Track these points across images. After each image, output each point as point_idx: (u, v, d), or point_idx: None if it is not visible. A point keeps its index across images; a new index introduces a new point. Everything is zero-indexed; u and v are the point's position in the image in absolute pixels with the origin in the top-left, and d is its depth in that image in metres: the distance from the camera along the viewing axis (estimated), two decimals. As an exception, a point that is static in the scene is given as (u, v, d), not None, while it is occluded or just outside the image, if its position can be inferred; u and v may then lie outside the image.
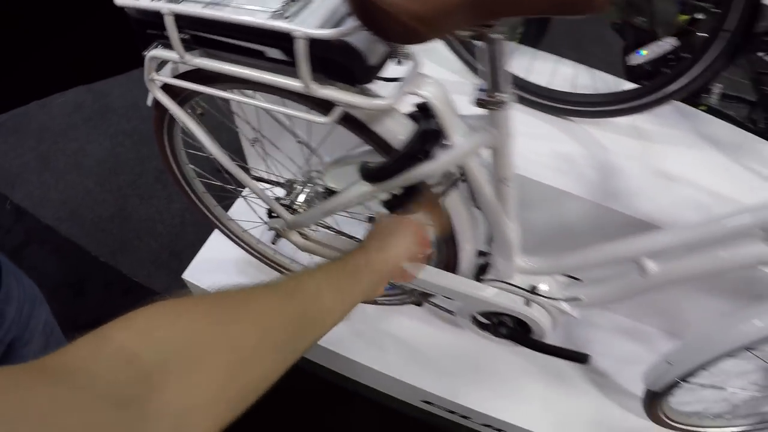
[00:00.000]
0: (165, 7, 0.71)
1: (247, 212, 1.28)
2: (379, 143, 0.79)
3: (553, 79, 1.21)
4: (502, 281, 0.94)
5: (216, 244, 1.42)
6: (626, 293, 0.88)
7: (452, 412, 1.24)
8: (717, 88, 1.34)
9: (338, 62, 0.69)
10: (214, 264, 1.41)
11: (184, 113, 0.91)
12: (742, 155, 1.21)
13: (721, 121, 1.28)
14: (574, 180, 1.09)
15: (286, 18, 0.68)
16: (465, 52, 1.25)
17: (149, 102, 0.96)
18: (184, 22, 0.73)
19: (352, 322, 1.29)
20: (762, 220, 0.72)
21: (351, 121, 0.78)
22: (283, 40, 0.67)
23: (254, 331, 0.44)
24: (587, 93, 1.18)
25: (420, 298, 1.14)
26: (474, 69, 1.23)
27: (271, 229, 1.12)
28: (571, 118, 1.21)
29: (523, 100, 1.21)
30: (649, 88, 1.10)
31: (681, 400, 1.08)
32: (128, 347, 0.36)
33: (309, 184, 1.07)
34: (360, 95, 0.71)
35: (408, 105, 0.75)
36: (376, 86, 0.73)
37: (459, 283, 0.95)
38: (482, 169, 0.78)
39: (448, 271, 0.96)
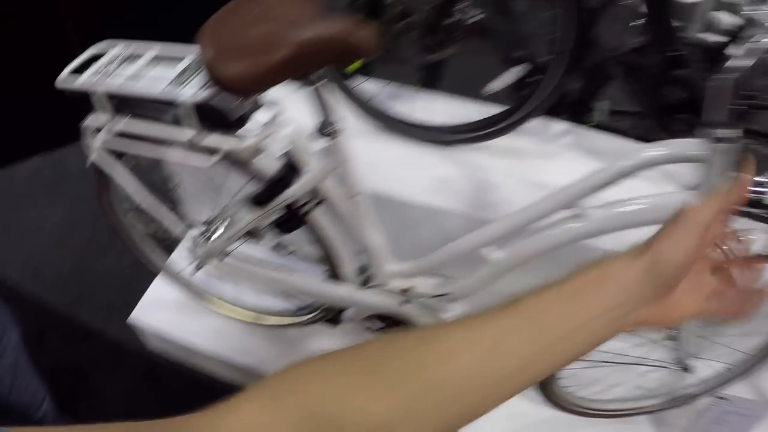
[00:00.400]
0: (94, 86, 1.04)
1: (185, 254, 1.55)
2: (257, 176, 1.07)
3: (434, 115, 1.51)
4: (379, 286, 1.19)
5: (160, 287, 1.67)
6: (483, 281, 1.13)
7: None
8: (604, 105, 1.61)
9: (213, 116, 0.98)
10: (160, 305, 1.66)
11: (120, 169, 1.20)
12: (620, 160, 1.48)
13: (606, 133, 1.55)
14: (451, 198, 1.37)
15: (178, 87, 0.98)
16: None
17: (88, 164, 1.26)
18: (109, 95, 1.04)
19: (275, 342, 1.53)
20: (560, 202, 0.99)
21: (234, 161, 1.06)
22: (174, 104, 0.97)
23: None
24: (461, 123, 1.48)
25: (326, 312, 1.39)
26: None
27: (195, 260, 1.38)
28: (453, 146, 1.50)
29: (408, 136, 1.52)
30: (511, 110, 1.39)
31: (578, 383, 1.31)
32: (251, 422, 0.39)
33: (225, 219, 1.35)
34: (232, 140, 1.00)
35: (276, 142, 1.04)
36: (251, 129, 1.02)
37: (344, 291, 1.21)
38: (335, 189, 1.05)
39: (334, 280, 1.22)
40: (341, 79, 1.51)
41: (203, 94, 0.95)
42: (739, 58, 0.82)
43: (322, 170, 1.01)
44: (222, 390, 0.40)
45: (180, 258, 1.57)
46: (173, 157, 1.11)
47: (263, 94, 0.99)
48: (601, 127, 1.60)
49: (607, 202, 0.99)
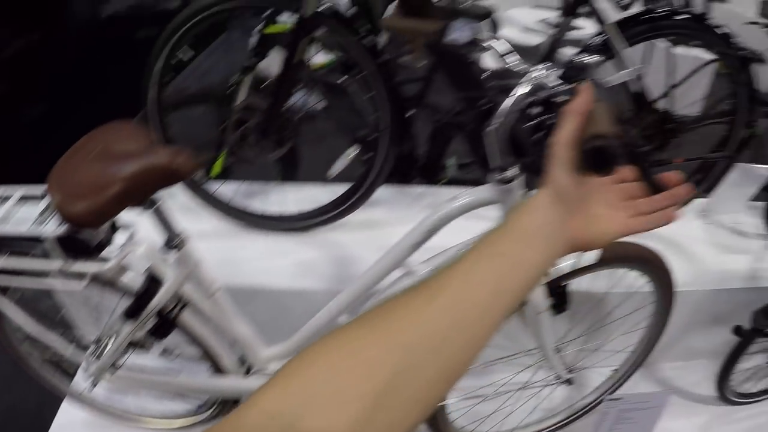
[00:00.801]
0: None
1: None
2: (124, 291, 1.26)
3: (289, 204, 1.78)
4: (260, 371, 1.38)
5: (68, 411, 1.80)
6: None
7: None
8: (452, 161, 1.89)
9: (76, 246, 1.18)
10: (70, 429, 1.79)
11: (6, 302, 1.37)
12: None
13: (459, 187, 1.80)
14: (317, 279, 1.60)
15: (43, 223, 1.18)
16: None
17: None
18: None
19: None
20: (389, 264, 1.21)
21: (103, 282, 1.26)
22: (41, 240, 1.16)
23: (392, 351, 0.46)
24: (314, 208, 1.74)
25: (225, 407, 1.55)
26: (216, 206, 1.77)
27: (90, 377, 1.53)
28: (311, 230, 1.76)
29: (268, 228, 1.76)
30: (355, 187, 1.64)
31: (474, 420, 1.51)
32: (269, 407, 0.44)
33: (110, 335, 1.52)
34: (96, 264, 1.20)
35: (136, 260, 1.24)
36: (112, 251, 1.22)
37: (228, 382, 1.38)
38: (194, 292, 1.26)
39: (219, 374, 1.39)
40: (200, 187, 1.76)
41: (62, 229, 1.15)
42: (504, 108, 1.05)
43: (177, 278, 1.22)
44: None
45: (82, 380, 1.72)
46: (49, 285, 1.29)
47: (118, 220, 1.20)
48: (453, 182, 1.88)
49: (432, 255, 1.23)
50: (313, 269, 1.63)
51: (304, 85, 1.77)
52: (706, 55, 1.92)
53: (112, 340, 1.39)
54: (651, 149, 1.79)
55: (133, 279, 1.25)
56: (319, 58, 2.69)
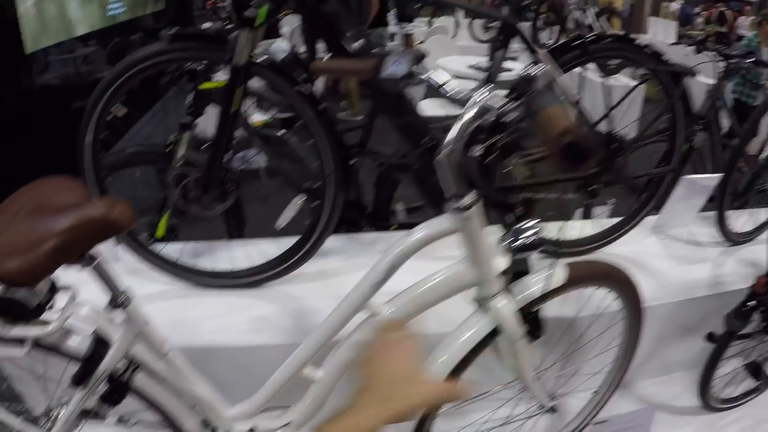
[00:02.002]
0: None
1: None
2: (69, 356, 1.13)
3: (238, 260, 1.69)
4: (225, 432, 1.24)
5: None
6: (318, 401, 1.22)
7: None
8: (400, 207, 1.84)
9: (11, 309, 1.05)
10: None
11: None
12: (429, 247, 1.65)
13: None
14: (273, 333, 1.50)
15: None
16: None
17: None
18: None
19: None
20: (351, 308, 1.12)
21: (45, 347, 1.12)
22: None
23: None
24: (264, 261, 1.65)
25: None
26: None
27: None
28: (263, 284, 1.67)
29: (218, 285, 1.67)
30: (305, 237, 1.56)
31: None
32: None
33: (60, 406, 1.36)
34: (36, 327, 1.07)
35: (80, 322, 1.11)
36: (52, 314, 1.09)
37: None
38: (145, 353, 1.13)
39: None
40: (146, 248, 1.67)
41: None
42: (452, 134, 1.01)
43: (126, 338, 1.10)
44: None
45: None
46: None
47: (57, 279, 1.08)
48: (403, 227, 1.83)
49: (394, 294, 1.14)
50: (269, 324, 1.54)
51: (243, 139, 1.71)
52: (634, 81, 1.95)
53: (63, 410, 1.23)
54: (598, 171, 1.76)
55: (79, 342, 1.12)
56: (258, 117, 2.67)
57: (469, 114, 1.02)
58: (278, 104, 1.91)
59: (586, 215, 2.22)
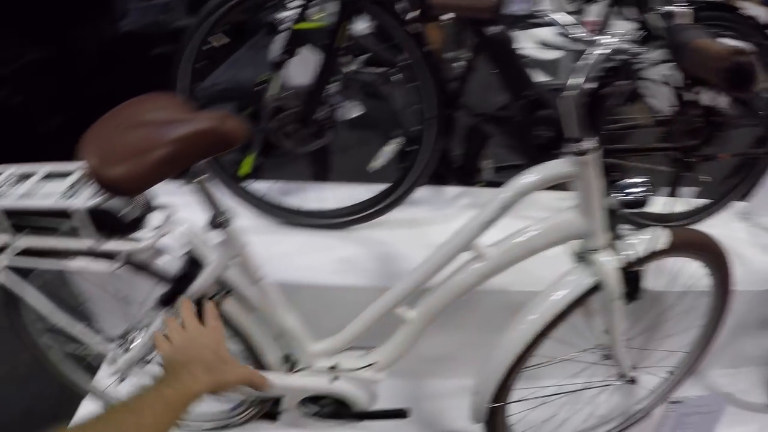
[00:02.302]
0: None
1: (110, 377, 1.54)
2: (159, 276, 1.11)
3: (326, 201, 1.64)
4: (306, 368, 1.22)
5: (88, 410, 1.63)
6: (406, 343, 1.19)
7: None
8: (488, 164, 1.76)
9: (106, 222, 1.03)
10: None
11: (28, 288, 1.21)
12: (515, 209, 1.59)
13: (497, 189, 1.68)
14: (358, 275, 1.47)
15: (70, 198, 1.03)
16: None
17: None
18: (8, 213, 1.07)
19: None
20: (457, 247, 1.07)
21: (135, 265, 1.10)
22: (67, 214, 1.01)
23: None
24: (351, 204, 1.61)
25: (261, 404, 1.38)
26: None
27: (116, 373, 1.37)
28: (349, 227, 1.63)
29: (309, 225, 1.63)
30: (396, 184, 1.50)
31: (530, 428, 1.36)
32: None
33: (141, 327, 1.36)
34: (130, 243, 1.05)
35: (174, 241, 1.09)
36: (147, 231, 1.07)
37: (273, 378, 1.22)
38: (239, 278, 1.10)
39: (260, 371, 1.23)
40: (235, 182, 1.64)
41: (94, 201, 1.00)
42: (576, 75, 0.95)
43: (221, 260, 1.07)
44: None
45: (105, 376, 1.55)
46: (77, 267, 1.14)
47: (155, 197, 1.05)
48: (490, 184, 1.75)
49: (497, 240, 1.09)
50: (353, 266, 1.50)
51: (342, 77, 1.64)
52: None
53: (142, 332, 1.23)
54: (698, 144, 1.65)
55: (170, 262, 1.10)
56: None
57: (601, 52, 0.96)
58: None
59: (673, 192, 2.11)
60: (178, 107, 1.01)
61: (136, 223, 1.06)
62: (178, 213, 1.08)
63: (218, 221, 1.03)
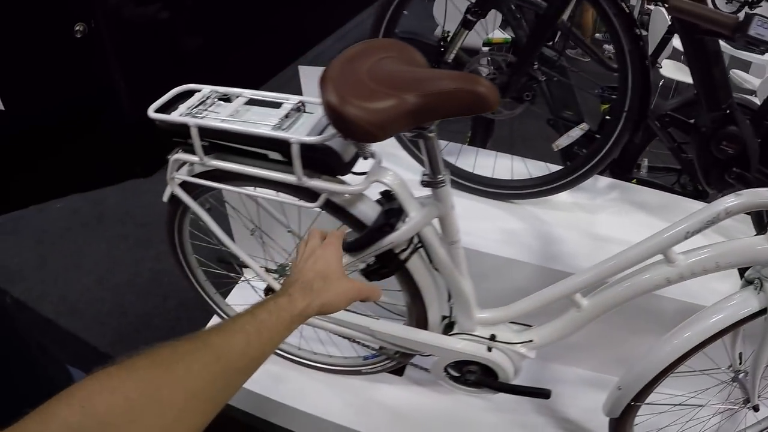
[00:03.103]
0: (191, 122, 1.06)
1: (243, 298, 1.57)
2: (354, 222, 1.11)
3: (495, 171, 1.61)
4: (467, 333, 1.22)
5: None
6: (567, 329, 1.18)
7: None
8: (644, 163, 1.72)
9: (321, 160, 1.02)
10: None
11: (198, 206, 1.23)
12: (667, 213, 1.58)
13: (649, 189, 1.64)
14: (519, 249, 1.45)
15: (283, 129, 1.03)
16: (413, 148, 1.64)
17: (165, 198, 1.29)
18: (205, 132, 1.07)
19: (341, 392, 1.54)
20: (651, 250, 1.05)
21: (332, 206, 1.10)
22: (281, 145, 1.01)
23: (182, 393, 0.54)
24: (523, 178, 1.57)
25: (402, 360, 1.40)
26: (420, 160, 1.59)
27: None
28: (514, 201, 1.60)
29: (472, 190, 1.61)
30: (572, 167, 1.46)
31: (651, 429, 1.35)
32: (71, 422, 0.45)
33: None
34: (339, 184, 1.04)
35: (374, 192, 1.08)
36: (349, 178, 1.07)
37: (432, 338, 1.24)
38: (435, 236, 1.09)
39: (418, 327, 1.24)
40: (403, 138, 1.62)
41: (316, 137, 0.99)
42: None
43: (427, 217, 1.06)
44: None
45: (240, 301, 1.59)
46: (278, 198, 1.14)
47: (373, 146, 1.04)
48: (641, 182, 1.70)
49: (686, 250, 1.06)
50: (517, 239, 1.48)
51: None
52: None
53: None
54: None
55: (369, 210, 1.09)
56: (498, 35, 2.53)
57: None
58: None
59: None
60: (417, 59, 0.99)
61: (349, 166, 1.05)
62: (386, 164, 1.07)
63: (434, 180, 1.02)
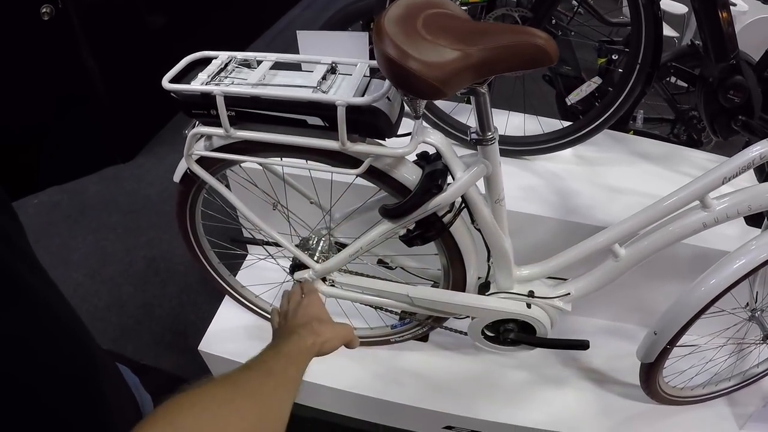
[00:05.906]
0: (217, 90, 0.97)
1: (259, 278, 1.51)
2: (396, 187, 1.07)
3: (505, 128, 1.59)
4: (506, 291, 1.20)
5: (226, 314, 1.62)
6: (604, 279, 1.18)
7: (474, 432, 1.45)
8: (639, 114, 1.74)
9: (368, 122, 0.96)
10: (227, 333, 1.60)
11: (219, 183, 1.15)
12: (671, 163, 1.59)
13: (648, 139, 1.66)
14: (540, 205, 1.45)
15: (324, 92, 0.96)
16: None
17: (176, 178, 1.21)
18: (231, 101, 0.99)
19: (368, 364, 1.50)
20: (688, 197, 1.06)
21: (373, 172, 1.05)
22: (323, 109, 0.94)
23: (251, 412, 0.58)
24: (535, 134, 1.56)
25: (435, 324, 1.37)
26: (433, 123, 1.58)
27: (297, 281, 1.34)
28: (526, 157, 1.59)
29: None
30: (584, 122, 1.46)
31: (672, 373, 1.38)
32: None
33: (322, 240, 1.32)
34: (386, 147, 0.99)
35: (413, 155, 1.03)
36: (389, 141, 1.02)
37: (474, 299, 1.22)
38: (479, 195, 1.06)
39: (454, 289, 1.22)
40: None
41: (364, 98, 0.93)
42: None
43: (474, 176, 1.03)
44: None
45: (255, 281, 1.53)
46: (300, 168, 1.08)
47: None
48: (638, 133, 1.73)
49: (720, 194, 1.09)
50: (536, 195, 1.48)
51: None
52: None
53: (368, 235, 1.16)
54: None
55: (411, 174, 1.04)
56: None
57: None
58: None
59: None
60: (461, 14, 0.94)
61: (396, 128, 1.00)
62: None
63: (484, 137, 0.99)
